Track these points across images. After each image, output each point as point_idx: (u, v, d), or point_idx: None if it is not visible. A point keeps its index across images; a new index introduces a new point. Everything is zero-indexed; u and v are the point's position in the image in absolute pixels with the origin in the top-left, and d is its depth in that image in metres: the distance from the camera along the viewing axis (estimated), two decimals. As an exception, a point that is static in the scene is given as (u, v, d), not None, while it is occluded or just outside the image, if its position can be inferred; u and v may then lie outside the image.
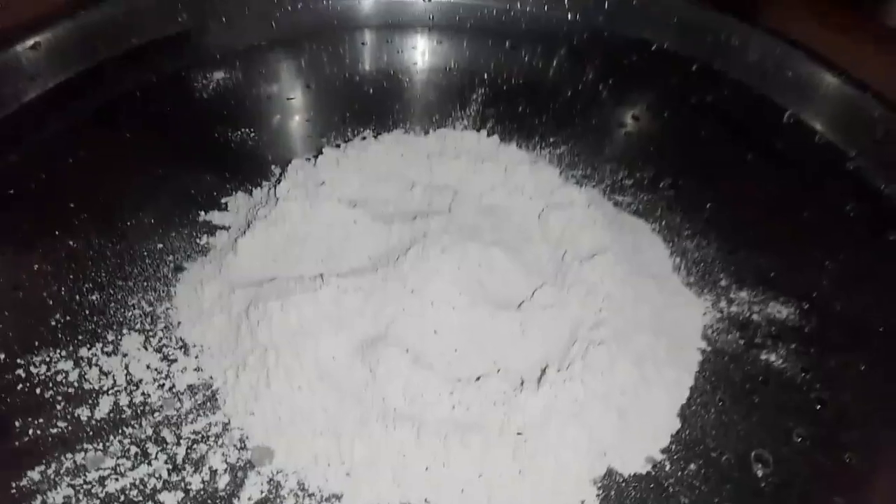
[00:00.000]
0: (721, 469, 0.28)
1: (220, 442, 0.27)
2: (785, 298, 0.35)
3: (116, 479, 0.26)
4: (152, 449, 0.27)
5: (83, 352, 0.30)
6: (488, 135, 0.38)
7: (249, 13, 0.48)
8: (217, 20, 0.47)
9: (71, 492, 0.25)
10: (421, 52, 0.49)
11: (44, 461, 0.26)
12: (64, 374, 0.29)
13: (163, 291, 0.32)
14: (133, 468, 0.26)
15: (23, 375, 0.29)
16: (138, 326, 0.31)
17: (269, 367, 0.28)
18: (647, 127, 0.45)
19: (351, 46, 0.49)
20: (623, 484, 0.27)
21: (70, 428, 0.27)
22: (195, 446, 0.27)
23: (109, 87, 0.43)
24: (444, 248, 0.31)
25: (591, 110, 0.45)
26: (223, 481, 0.26)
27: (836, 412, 0.31)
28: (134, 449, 0.27)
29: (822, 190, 0.41)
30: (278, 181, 0.36)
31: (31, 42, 0.39)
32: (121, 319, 0.31)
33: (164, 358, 0.30)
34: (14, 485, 0.25)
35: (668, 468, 0.28)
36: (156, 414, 0.28)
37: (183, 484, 0.26)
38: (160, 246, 0.34)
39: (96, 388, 0.29)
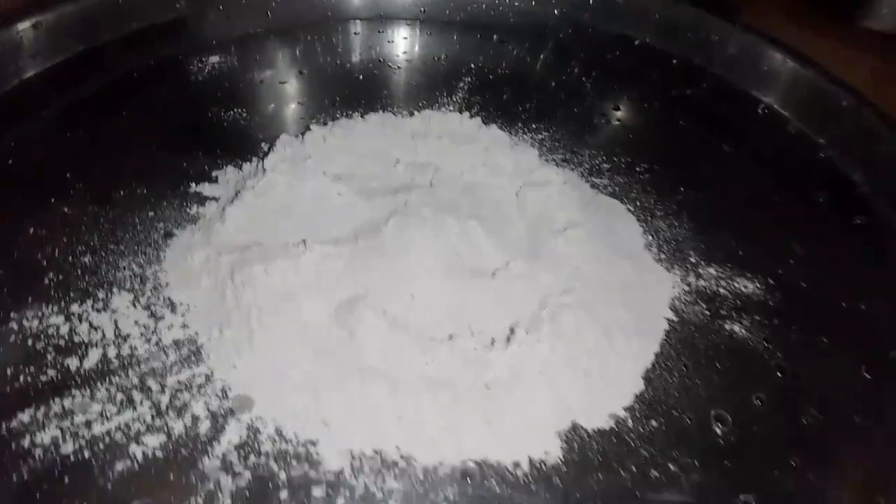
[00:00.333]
0: (681, 426, 0.29)
1: (202, 391, 0.29)
2: (751, 275, 0.36)
3: (102, 423, 0.27)
4: (137, 396, 0.28)
5: (74, 308, 0.31)
6: (471, 117, 0.40)
7: (246, 2, 0.50)
8: (214, 8, 0.49)
9: (58, 433, 0.27)
10: (411, 44, 0.51)
11: (33, 405, 0.27)
12: (55, 328, 0.30)
13: (153, 255, 0.34)
14: (118, 413, 0.28)
15: (15, 328, 0.30)
16: (128, 286, 0.32)
17: (252, 325, 0.30)
18: (626, 117, 0.47)
19: (343, 36, 0.51)
20: (587, 437, 0.29)
21: (59, 376, 0.29)
22: (178, 395, 0.28)
23: (108, 68, 0.44)
24: (424, 219, 0.33)
25: (574, 100, 0.47)
26: (204, 427, 0.28)
27: (795, 379, 0.32)
28: (120, 396, 0.28)
29: (793, 176, 0.42)
30: (266, 155, 0.37)
31: (32, 21, 0.41)
32: (111, 280, 0.33)
33: (152, 315, 0.31)
34: (4, 425, 0.27)
35: (630, 424, 0.29)
36: (142, 365, 0.29)
37: (166, 428, 0.27)
38: (151, 214, 0.36)
39: (86, 340, 0.30)
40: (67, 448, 0.26)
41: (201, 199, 0.37)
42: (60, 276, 0.32)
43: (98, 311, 0.31)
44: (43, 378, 0.28)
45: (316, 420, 0.28)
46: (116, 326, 0.31)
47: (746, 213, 0.40)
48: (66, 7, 0.43)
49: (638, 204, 0.40)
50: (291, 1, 0.51)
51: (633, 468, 0.28)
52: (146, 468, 0.26)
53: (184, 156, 0.39)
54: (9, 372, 0.28)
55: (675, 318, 0.34)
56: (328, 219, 0.34)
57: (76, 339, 0.30)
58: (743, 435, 0.29)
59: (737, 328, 0.34)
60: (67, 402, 0.28)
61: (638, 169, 0.42)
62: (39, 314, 0.31)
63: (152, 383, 0.29)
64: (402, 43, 0.51)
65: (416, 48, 0.51)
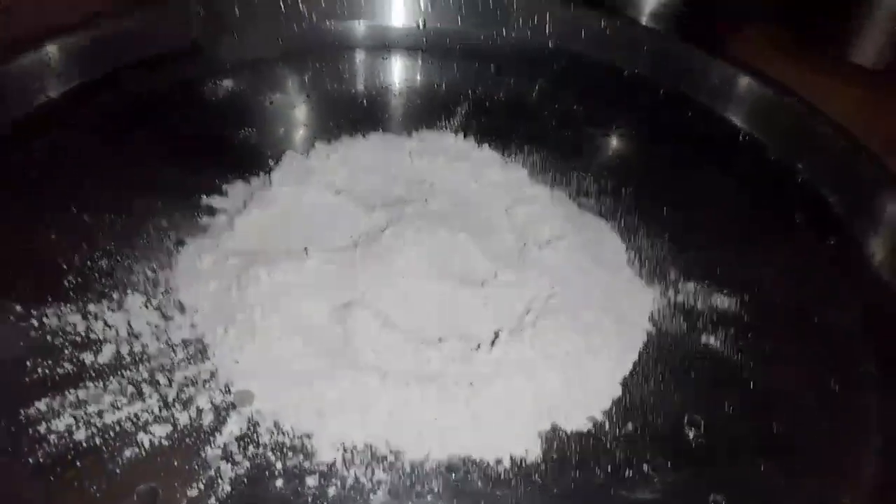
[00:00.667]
0: (656, 429, 0.31)
1: (207, 386, 0.31)
2: (728, 291, 0.38)
3: (113, 412, 0.29)
4: (146, 389, 0.30)
5: (90, 307, 0.33)
6: (465, 139, 0.42)
7: (258, 31, 0.53)
8: (229, 35, 0.52)
9: (72, 421, 0.29)
10: (412, 72, 0.54)
11: (49, 395, 0.30)
12: (72, 326, 0.32)
13: (165, 261, 0.36)
14: (128, 404, 0.30)
15: (35, 324, 0.32)
16: (141, 289, 0.35)
17: (255, 323, 0.32)
18: (615, 142, 0.49)
19: (349, 64, 0.54)
20: (566, 438, 0.30)
21: (74, 369, 0.31)
22: (185, 389, 0.31)
23: (126, 88, 0.47)
24: (418, 229, 0.35)
25: (565, 126, 0.49)
26: (208, 418, 0.30)
27: (767, 389, 0.34)
28: (130, 389, 0.30)
29: (772, 198, 0.44)
30: (273, 170, 0.40)
31: (59, 44, 0.44)
32: (126, 282, 0.35)
33: (163, 316, 0.33)
34: (22, 412, 0.29)
35: (607, 427, 0.31)
36: (152, 361, 0.31)
37: (172, 419, 0.29)
38: (164, 223, 0.38)
39: (100, 337, 0.32)
40: (80, 435, 0.28)
41: (211, 211, 0.39)
42: (79, 279, 0.35)
43: (112, 310, 0.33)
44: (59, 370, 0.31)
45: (311, 413, 0.30)
46: (129, 325, 0.33)
47: (726, 232, 0.42)
48: (91, 32, 0.46)
49: (622, 223, 0.42)
50: (301, 30, 0.54)
51: (609, 468, 0.30)
52: (152, 455, 0.28)
53: (196, 171, 0.42)
54: (28, 364, 0.31)
55: (653, 330, 0.36)
56: (329, 228, 0.37)
57: (91, 335, 0.32)
58: (714, 439, 0.31)
59: (712, 340, 0.36)
60: (81, 393, 0.30)
61: (624, 191, 0.44)
62: (58, 312, 0.33)
63: (161, 378, 0.31)
64: (404, 71, 0.54)
65: (417, 76, 0.54)
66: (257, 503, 0.27)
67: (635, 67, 0.53)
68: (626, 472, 0.29)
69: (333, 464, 0.29)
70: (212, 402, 0.30)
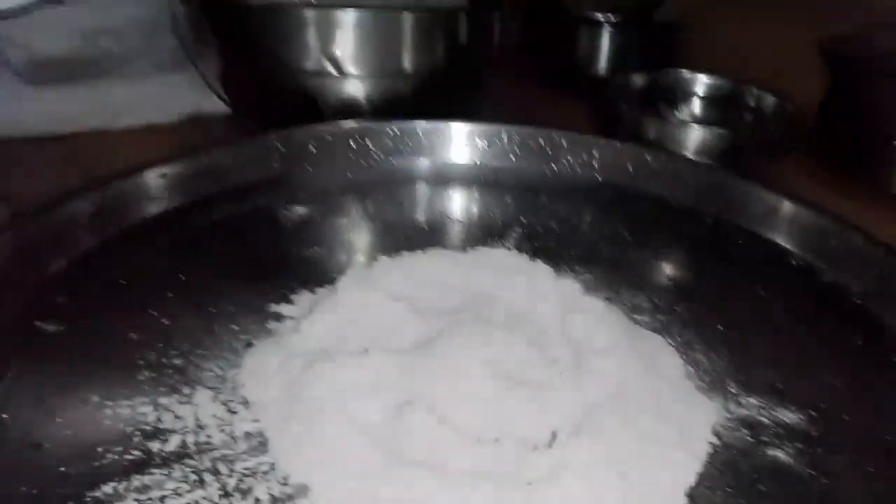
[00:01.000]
0: (726, 542, 0.30)
1: (265, 477, 0.31)
2: (793, 406, 0.37)
3: (174, 498, 0.30)
4: (208, 478, 0.31)
5: (162, 400, 0.35)
6: (519, 254, 0.45)
7: (330, 166, 0.59)
8: (304, 169, 0.58)
9: (135, 504, 0.29)
10: (468, 202, 0.58)
11: (116, 479, 0.30)
12: (143, 416, 0.34)
13: (233, 360, 0.38)
14: (190, 491, 0.30)
15: (109, 414, 0.34)
16: (210, 385, 0.36)
17: (313, 418, 0.33)
18: (665, 264, 0.50)
19: (410, 195, 0.59)
20: (629, 545, 0.29)
21: (142, 456, 0.32)
22: (245, 479, 0.31)
23: (212, 213, 0.52)
24: (473, 332, 0.37)
25: (616, 250, 0.51)
26: (265, 509, 0.30)
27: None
28: (193, 476, 0.31)
29: (828, 320, 0.44)
30: (338, 281, 0.42)
31: (159, 172, 0.50)
32: (196, 379, 0.36)
33: (228, 410, 0.35)
34: (89, 495, 0.30)
35: (673, 536, 0.30)
36: (215, 452, 0.32)
37: (230, 507, 0.30)
38: (235, 327, 0.41)
39: (169, 427, 0.33)
40: (141, 519, 0.29)
41: (279, 317, 0.42)
42: (153, 375, 0.37)
43: (182, 403, 0.35)
44: (128, 457, 0.32)
45: (367, 507, 0.30)
46: (197, 417, 0.34)
47: (785, 350, 0.42)
48: (185, 162, 0.52)
49: (678, 339, 0.42)
50: (368, 165, 0.60)
51: (677, 579, 0.28)
52: (210, 540, 0.28)
53: (267, 282, 0.45)
54: (98, 450, 0.32)
55: (717, 441, 0.35)
56: (389, 331, 0.38)
57: (161, 426, 0.33)
58: (790, 554, 0.29)
59: (780, 454, 0.34)
60: (147, 479, 0.31)
61: (677, 308, 0.45)
62: (131, 404, 0.35)
63: (222, 467, 0.31)
64: (460, 200, 0.58)
65: (473, 206, 0.58)
66: None
67: (680, 199, 0.56)
68: (696, 586, 0.28)
69: (388, 559, 0.28)
70: (269, 493, 0.30)
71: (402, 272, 0.43)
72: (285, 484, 0.31)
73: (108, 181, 0.48)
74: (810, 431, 0.36)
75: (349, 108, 0.63)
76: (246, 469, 0.32)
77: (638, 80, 0.72)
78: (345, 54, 0.60)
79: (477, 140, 0.61)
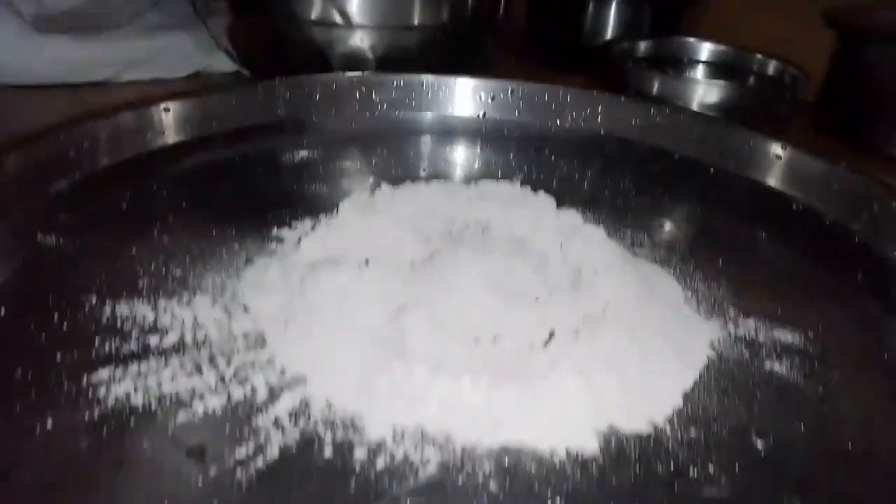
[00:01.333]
0: (722, 438, 0.29)
1: (263, 370, 0.31)
2: (791, 328, 0.37)
3: (171, 384, 0.30)
4: (205, 367, 0.31)
5: (161, 303, 0.35)
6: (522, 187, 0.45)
7: (335, 115, 0.59)
8: (308, 117, 0.58)
9: (132, 387, 0.29)
10: (472, 153, 0.58)
11: (113, 365, 0.31)
12: (142, 316, 0.34)
13: (233, 273, 0.38)
14: (186, 378, 0.30)
15: (108, 313, 0.34)
16: (209, 292, 0.36)
17: (314, 320, 0.33)
18: (667, 208, 0.50)
19: (415, 148, 0.59)
20: (624, 438, 0.29)
21: (139, 348, 0.32)
22: (241, 370, 0.31)
23: (216, 151, 0.52)
24: (473, 252, 0.37)
25: (618, 196, 0.51)
26: (261, 395, 0.30)
27: (838, 411, 0.32)
28: (190, 366, 0.31)
29: (830, 257, 0.44)
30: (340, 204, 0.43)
31: (164, 106, 0.50)
32: (195, 287, 0.37)
33: (227, 313, 0.35)
34: (86, 377, 0.30)
35: (668, 432, 0.29)
36: (213, 347, 0.32)
37: (227, 393, 0.30)
38: (236, 246, 0.41)
39: (167, 325, 0.33)
40: (137, 399, 0.29)
41: (280, 240, 0.42)
42: (153, 281, 0.37)
43: (181, 307, 0.35)
44: (125, 349, 0.32)
45: (362, 396, 0.30)
46: (195, 319, 0.34)
47: (785, 282, 0.42)
48: (191, 100, 0.52)
49: (678, 270, 0.42)
50: (372, 117, 0.60)
51: (672, 466, 0.28)
52: (205, 420, 0.28)
53: (269, 212, 0.45)
54: (96, 341, 0.32)
55: (714, 355, 0.35)
56: (389, 250, 0.38)
57: (159, 324, 0.34)
58: (786, 450, 0.29)
59: (777, 367, 0.34)
60: (143, 367, 0.31)
61: (678, 246, 0.45)
62: (130, 305, 0.35)
63: (220, 360, 0.32)
64: (464, 152, 0.58)
65: (476, 158, 0.58)
66: (305, 468, 0.26)
67: (684, 149, 0.56)
68: (691, 471, 0.28)
69: (383, 440, 0.28)
70: (267, 382, 0.30)
71: (404, 199, 0.43)
72: (283, 375, 0.31)
73: (116, 111, 0.48)
74: (808, 349, 0.36)
75: (356, 60, 0.63)
76: (243, 362, 0.32)
77: (643, 46, 0.72)
78: (353, 3, 0.60)
79: (482, 94, 0.61)
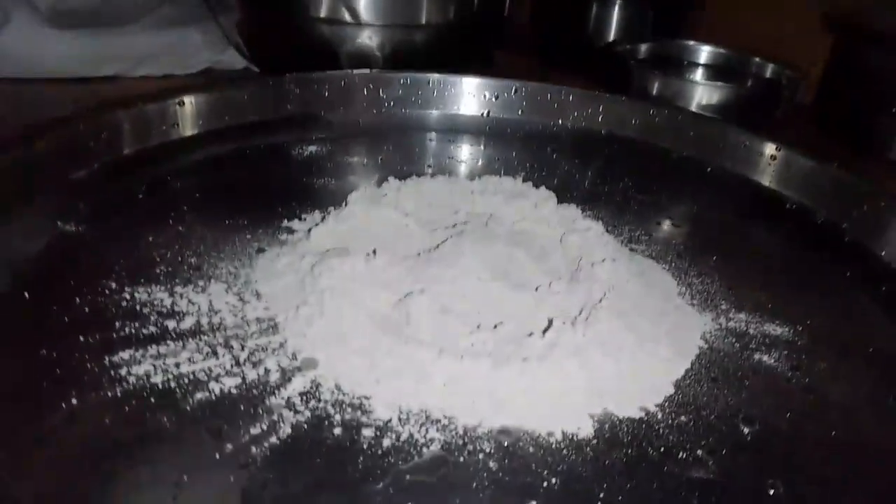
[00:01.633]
0: (710, 423, 0.31)
1: (275, 353, 0.33)
2: (780, 321, 0.39)
3: (188, 365, 0.31)
4: (221, 350, 0.33)
5: (177, 289, 0.37)
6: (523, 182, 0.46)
7: (344, 112, 0.61)
8: (318, 112, 0.59)
9: (151, 367, 0.31)
10: (476, 151, 0.60)
11: (133, 347, 0.32)
12: (160, 301, 0.36)
13: (246, 262, 0.40)
14: (203, 360, 0.32)
15: (127, 297, 0.36)
16: (223, 279, 0.38)
17: (324, 305, 0.34)
18: (663, 207, 0.52)
19: (420, 145, 0.60)
20: (617, 422, 0.31)
21: (157, 331, 0.33)
22: (255, 353, 0.33)
23: (229, 144, 0.54)
24: (476, 242, 0.38)
25: (617, 194, 0.53)
26: (274, 377, 0.31)
27: (824, 400, 0.33)
28: (206, 349, 0.33)
29: (820, 253, 0.46)
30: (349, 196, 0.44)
31: (178, 100, 0.51)
32: (210, 274, 0.38)
33: (241, 299, 0.36)
34: (107, 358, 0.31)
35: (660, 417, 0.31)
36: (227, 331, 0.34)
37: (242, 374, 0.31)
38: (248, 236, 0.42)
39: (183, 310, 0.35)
40: (157, 379, 0.31)
41: (290, 231, 0.43)
42: (169, 268, 0.38)
43: (196, 293, 0.36)
44: (144, 331, 0.33)
45: (369, 379, 0.31)
46: (210, 304, 0.36)
47: (776, 277, 0.43)
48: (205, 93, 0.53)
49: (673, 265, 0.44)
50: (379, 115, 0.62)
51: (662, 449, 0.29)
52: (221, 399, 0.30)
53: (280, 204, 0.46)
54: (117, 325, 0.34)
55: (705, 346, 0.36)
56: (396, 240, 0.40)
57: (176, 309, 0.35)
58: (772, 435, 0.31)
59: (765, 358, 0.36)
60: (162, 349, 0.32)
61: (674, 242, 0.46)
62: (149, 290, 0.36)
63: (234, 344, 0.33)
64: (468, 149, 0.60)
65: (480, 155, 0.59)
66: (316, 446, 0.28)
67: (682, 149, 0.57)
68: (680, 454, 0.29)
69: (389, 420, 0.29)
70: (279, 365, 0.32)
71: (410, 192, 0.44)
72: (294, 358, 0.33)
73: (132, 103, 0.50)
74: (796, 341, 0.37)
75: (364, 58, 0.65)
76: (256, 346, 0.33)
77: (644, 48, 0.74)
78: (361, 2, 0.62)
79: (486, 93, 0.63)
